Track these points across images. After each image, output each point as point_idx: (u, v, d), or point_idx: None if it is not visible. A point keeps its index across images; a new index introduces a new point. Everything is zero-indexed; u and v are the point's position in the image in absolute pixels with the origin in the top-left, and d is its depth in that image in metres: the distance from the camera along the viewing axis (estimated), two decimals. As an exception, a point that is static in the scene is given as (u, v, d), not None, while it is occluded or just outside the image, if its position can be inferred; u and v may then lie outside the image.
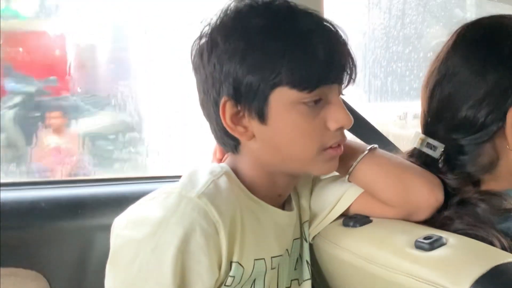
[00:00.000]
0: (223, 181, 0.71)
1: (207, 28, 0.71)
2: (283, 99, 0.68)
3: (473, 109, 0.75)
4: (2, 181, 1.12)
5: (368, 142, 1.03)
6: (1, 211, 0.98)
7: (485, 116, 0.74)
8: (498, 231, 0.69)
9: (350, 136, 1.05)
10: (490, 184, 0.78)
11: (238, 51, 0.67)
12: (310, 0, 1.00)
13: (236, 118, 0.70)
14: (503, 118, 0.74)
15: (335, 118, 0.70)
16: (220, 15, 0.71)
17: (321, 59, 0.67)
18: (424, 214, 0.76)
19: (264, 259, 0.73)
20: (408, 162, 0.81)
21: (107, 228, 0.98)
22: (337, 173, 0.83)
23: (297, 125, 0.69)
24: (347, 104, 1.03)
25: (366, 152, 0.78)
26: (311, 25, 0.69)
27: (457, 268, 0.60)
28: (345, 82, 0.72)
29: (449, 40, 0.81)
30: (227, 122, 0.70)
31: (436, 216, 0.75)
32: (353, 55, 0.72)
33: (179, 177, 0.72)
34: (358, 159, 0.78)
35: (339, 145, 0.73)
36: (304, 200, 0.83)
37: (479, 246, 0.65)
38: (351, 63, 0.71)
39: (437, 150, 0.78)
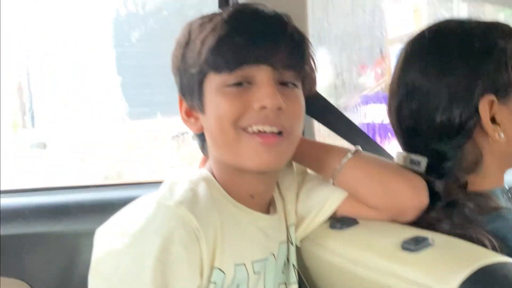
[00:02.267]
0: (201, 188, 0.70)
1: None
2: (211, 86, 0.70)
3: (445, 114, 0.75)
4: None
5: (352, 143, 1.03)
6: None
7: (459, 117, 0.75)
8: (487, 231, 0.69)
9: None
10: (477, 183, 0.78)
11: (179, 50, 0.73)
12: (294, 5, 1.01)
13: (190, 112, 0.76)
14: (476, 114, 0.74)
15: (257, 97, 0.68)
16: None
17: (237, 40, 0.68)
18: (409, 216, 0.76)
19: (244, 264, 0.72)
20: (391, 164, 0.81)
21: (91, 235, 0.96)
22: (321, 176, 0.83)
23: (218, 106, 0.70)
24: (327, 102, 1.04)
25: (350, 155, 0.78)
26: (233, 13, 0.70)
27: (444, 269, 0.60)
28: (285, 66, 0.69)
29: (398, 60, 0.82)
30: (182, 114, 0.76)
31: (423, 217, 0.75)
32: (295, 39, 0.70)
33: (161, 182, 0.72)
34: (342, 162, 0.77)
35: (276, 133, 0.69)
36: (289, 203, 0.82)
37: (466, 247, 0.65)
38: (291, 46, 0.70)
39: (421, 164, 0.78)
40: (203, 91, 0.71)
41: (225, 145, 0.71)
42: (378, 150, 1.01)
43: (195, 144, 0.83)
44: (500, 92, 0.74)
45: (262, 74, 0.69)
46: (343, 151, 0.79)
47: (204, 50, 0.69)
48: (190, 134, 0.84)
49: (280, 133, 0.69)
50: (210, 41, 0.68)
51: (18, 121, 2.48)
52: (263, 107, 0.68)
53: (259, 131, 0.68)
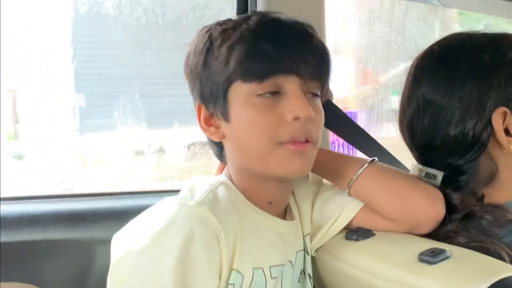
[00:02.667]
0: (221, 190, 0.72)
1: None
2: (238, 95, 0.70)
3: (458, 128, 0.75)
4: (2, 195, 1.11)
5: (367, 154, 1.03)
6: (1, 225, 0.97)
7: (472, 131, 0.75)
8: (505, 244, 0.68)
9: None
10: (494, 196, 0.77)
11: (201, 58, 0.72)
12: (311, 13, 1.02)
13: (210, 121, 0.74)
14: (489, 126, 0.75)
15: (290, 108, 0.69)
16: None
17: (267, 50, 0.68)
18: (426, 228, 0.75)
19: (262, 268, 0.72)
20: (408, 175, 0.81)
21: (106, 242, 0.97)
22: (336, 187, 0.83)
23: (249, 117, 0.70)
24: (341, 111, 1.04)
25: (366, 166, 0.78)
26: (260, 22, 0.71)
27: (462, 281, 0.59)
28: (309, 78, 0.70)
29: (408, 76, 0.83)
30: (201, 124, 0.75)
31: (440, 229, 0.75)
32: (322, 50, 0.72)
33: (174, 191, 0.73)
34: (358, 173, 0.77)
35: (305, 142, 0.70)
36: (305, 213, 0.82)
37: (483, 259, 0.64)
38: (316, 56, 0.71)
39: (437, 178, 0.77)
40: (228, 99, 0.71)
41: (256, 155, 0.71)
42: (394, 162, 1.01)
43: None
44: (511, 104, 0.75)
45: (291, 85, 0.70)
46: (359, 162, 0.79)
47: (232, 58, 0.69)
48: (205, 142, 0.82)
49: (306, 141, 0.71)
50: (239, 50, 0.68)
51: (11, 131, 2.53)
52: (297, 118, 0.69)
53: (291, 139, 0.69)
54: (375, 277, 0.69)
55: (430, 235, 0.75)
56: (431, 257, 0.64)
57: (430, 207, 0.74)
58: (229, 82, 0.70)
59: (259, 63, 0.68)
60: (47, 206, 1.07)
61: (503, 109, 0.74)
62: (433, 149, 0.79)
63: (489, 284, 0.56)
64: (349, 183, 0.78)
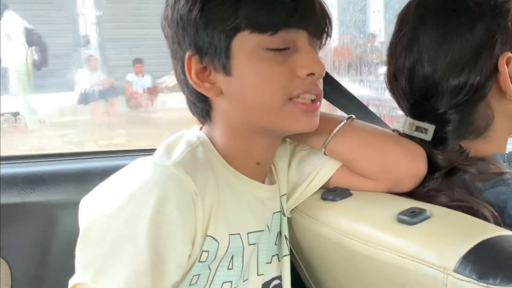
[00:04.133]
0: (200, 152, 0.67)
1: None
2: (244, 46, 0.65)
3: (464, 73, 0.73)
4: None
5: (348, 113, 0.99)
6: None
7: (479, 75, 0.73)
8: (488, 202, 0.66)
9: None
10: (482, 148, 0.75)
11: (197, 2, 0.65)
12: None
13: (202, 75, 0.67)
14: (494, 72, 0.73)
15: (303, 64, 0.66)
16: None
17: (282, 0, 0.64)
18: (406, 186, 0.72)
19: (239, 234, 0.69)
20: (388, 132, 0.78)
21: (68, 206, 0.92)
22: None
23: (260, 72, 0.65)
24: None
25: (342, 123, 0.74)
26: None
27: (444, 242, 0.56)
28: (317, 34, 0.68)
29: (405, 19, 0.78)
30: (192, 78, 0.67)
31: (421, 188, 0.72)
32: (326, 9, 0.69)
33: (142, 151, 0.68)
34: (334, 131, 0.73)
35: (314, 101, 0.68)
36: (281, 172, 0.78)
37: (466, 220, 0.61)
38: (321, 15, 0.68)
39: (428, 132, 0.75)
40: (231, 51, 0.65)
41: (265, 110, 0.67)
42: (375, 120, 0.97)
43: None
44: None
45: (303, 40, 0.66)
46: (335, 120, 0.75)
47: (242, 5, 0.63)
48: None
49: (316, 98, 0.69)
50: None
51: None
52: (311, 74, 0.66)
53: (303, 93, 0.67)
54: (352, 238, 0.66)
55: (411, 195, 0.72)
56: (410, 217, 0.61)
57: (411, 163, 0.71)
58: (234, 32, 0.64)
59: (274, 14, 0.64)
60: (4, 169, 1.01)
61: (508, 54, 0.73)
62: (430, 97, 0.76)
63: (472, 245, 0.53)
64: (324, 142, 0.74)
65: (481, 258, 0.52)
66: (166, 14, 0.69)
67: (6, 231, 0.95)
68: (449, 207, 0.65)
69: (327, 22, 0.69)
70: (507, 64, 0.73)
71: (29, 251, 0.97)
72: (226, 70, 0.66)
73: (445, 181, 0.71)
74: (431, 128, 0.75)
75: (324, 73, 0.68)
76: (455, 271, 0.52)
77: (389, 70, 0.81)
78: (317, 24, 0.67)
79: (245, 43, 0.64)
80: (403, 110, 0.82)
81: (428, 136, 0.75)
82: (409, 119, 0.78)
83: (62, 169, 1.02)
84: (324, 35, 0.70)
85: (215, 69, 0.66)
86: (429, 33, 0.75)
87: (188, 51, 0.67)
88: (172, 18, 0.68)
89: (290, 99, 0.66)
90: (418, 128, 0.76)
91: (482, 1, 0.74)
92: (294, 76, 0.66)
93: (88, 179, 0.98)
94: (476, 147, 0.74)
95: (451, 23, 0.74)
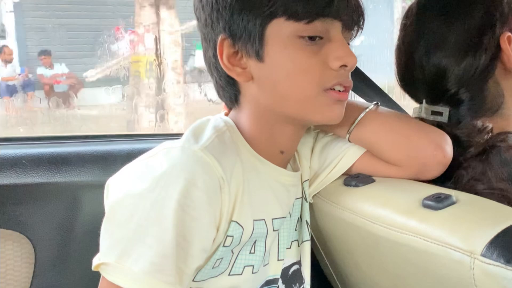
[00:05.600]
0: (226, 137, 0.67)
1: None
2: (279, 33, 0.64)
3: (469, 57, 0.76)
4: (-20, 138, 1.06)
5: (369, 100, 0.99)
6: (-20, 169, 0.93)
7: (484, 54, 0.76)
8: None
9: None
10: (499, 125, 0.77)
11: None
12: None
13: (234, 59, 0.67)
14: (497, 51, 0.76)
15: (337, 55, 0.66)
16: None
17: None
18: (432, 172, 0.72)
19: (264, 220, 0.69)
20: (412, 119, 0.78)
21: (92, 187, 0.93)
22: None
23: (295, 60, 0.65)
24: None
25: (368, 109, 0.74)
26: None
27: (470, 227, 0.56)
28: (351, 25, 0.68)
29: (410, 13, 0.82)
30: (224, 61, 0.67)
31: (460, 178, 0.72)
32: (360, 2, 0.69)
33: (167, 135, 0.68)
34: (359, 117, 0.73)
35: (344, 90, 0.68)
36: (304, 159, 0.78)
37: (492, 205, 0.61)
38: (356, 7, 0.68)
39: (444, 114, 0.78)
40: (266, 37, 0.65)
41: (296, 99, 0.67)
42: (396, 107, 0.97)
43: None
44: None
45: (337, 30, 0.66)
46: (360, 106, 0.75)
47: None
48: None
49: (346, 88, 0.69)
50: None
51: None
52: (344, 66, 0.66)
53: (337, 84, 0.67)
54: (376, 223, 0.66)
55: (435, 182, 0.72)
56: (435, 202, 0.61)
57: (437, 149, 0.71)
58: (270, 18, 0.64)
59: (312, 2, 0.63)
60: (29, 149, 1.02)
61: (508, 33, 0.76)
62: (444, 79, 0.78)
63: (500, 230, 0.53)
64: (349, 129, 0.74)
65: (509, 243, 0.52)
66: None
67: (30, 210, 0.96)
68: (482, 194, 0.65)
69: (361, 15, 0.69)
70: (508, 43, 0.76)
71: (52, 231, 0.98)
72: (259, 56, 0.65)
73: (482, 163, 0.71)
74: (445, 110, 0.78)
75: (355, 65, 0.67)
76: (483, 255, 0.52)
77: (399, 64, 0.83)
78: (351, 16, 0.67)
79: (280, 30, 0.64)
80: (417, 100, 0.83)
81: (444, 118, 0.78)
82: (425, 105, 0.80)
83: (87, 150, 1.03)
84: (356, 27, 0.69)
85: (247, 54, 0.66)
86: (431, 21, 0.78)
87: (221, 35, 0.67)
88: (207, 1, 0.68)
89: (325, 90, 0.66)
90: (434, 112, 0.78)
91: None
92: (326, 67, 0.66)
93: (112, 162, 0.99)
94: (494, 124, 0.76)
95: (451, 9, 0.78)
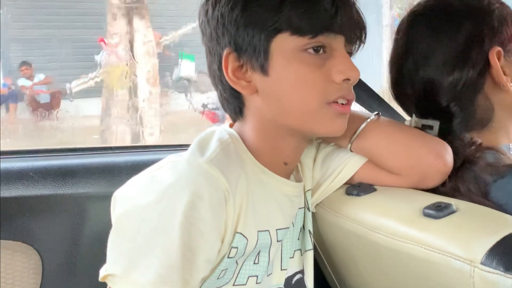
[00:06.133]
0: (231, 149, 0.68)
1: None
2: (284, 47, 0.66)
3: (457, 71, 0.76)
4: (-13, 151, 1.07)
5: (369, 109, 1.00)
6: (-12, 181, 0.94)
7: (472, 69, 0.76)
8: (497, 188, 0.69)
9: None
10: (489, 139, 0.77)
11: (240, 1, 0.67)
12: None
13: (239, 73, 0.68)
14: (486, 65, 0.76)
15: (340, 69, 0.67)
16: None
17: (324, 5, 0.65)
18: (432, 181, 0.73)
19: (268, 231, 0.70)
20: (413, 129, 0.79)
21: (98, 198, 0.94)
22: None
23: (299, 74, 0.66)
24: None
25: (369, 119, 0.75)
26: None
27: (470, 235, 0.57)
28: (353, 39, 0.69)
29: (404, 25, 0.83)
30: (229, 75, 0.68)
31: (440, 187, 0.73)
32: (362, 17, 0.70)
33: (172, 146, 0.70)
34: (361, 127, 0.75)
35: (346, 103, 0.69)
36: (307, 169, 0.79)
37: (492, 213, 0.62)
38: (358, 21, 0.69)
39: (434, 128, 0.78)
40: (270, 51, 0.66)
41: (300, 112, 0.68)
42: (396, 117, 0.98)
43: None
44: (504, 46, 0.77)
45: (340, 45, 0.68)
46: (361, 116, 0.77)
47: (286, 7, 0.64)
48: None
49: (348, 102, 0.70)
50: (290, 0, 0.64)
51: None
52: (347, 80, 0.67)
53: (339, 98, 0.68)
54: (377, 232, 0.67)
55: (433, 192, 0.72)
56: (436, 211, 0.62)
57: (438, 158, 0.72)
58: (275, 33, 0.65)
59: (316, 18, 0.65)
60: (36, 161, 1.04)
61: (497, 48, 0.76)
62: (430, 96, 0.78)
63: (499, 238, 0.54)
64: (351, 139, 0.75)
65: (508, 251, 0.53)
66: (206, 11, 0.70)
67: (37, 222, 0.98)
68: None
69: (363, 29, 0.70)
70: (498, 58, 0.76)
71: (59, 242, 0.99)
72: (264, 69, 0.67)
73: (457, 177, 0.72)
74: (436, 124, 0.78)
75: (358, 79, 0.69)
76: (482, 263, 0.53)
77: (391, 77, 0.85)
78: (354, 31, 0.69)
79: (285, 44, 0.66)
80: (408, 113, 0.85)
81: (434, 132, 0.78)
82: (415, 118, 0.81)
83: (93, 162, 1.05)
84: (358, 42, 0.71)
85: (252, 67, 0.67)
86: (421, 36, 0.79)
87: (226, 49, 0.68)
88: (213, 15, 0.69)
89: (328, 103, 0.68)
90: (424, 126, 0.79)
91: (468, 3, 0.79)
92: (330, 80, 0.67)
93: (117, 173, 1.00)
94: (483, 138, 0.77)
95: (439, 24, 0.78)
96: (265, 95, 0.68)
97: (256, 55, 0.66)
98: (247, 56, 0.67)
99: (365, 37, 0.71)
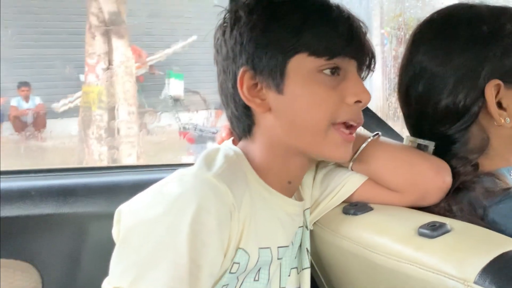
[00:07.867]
0: (236, 165, 0.70)
1: (232, 5, 0.73)
2: (301, 68, 0.68)
3: (451, 97, 0.75)
4: (-9, 170, 1.09)
5: (371, 131, 1.01)
6: (-11, 200, 0.95)
7: (464, 100, 0.74)
8: (491, 221, 0.68)
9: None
10: (484, 164, 0.76)
11: (260, 22, 0.69)
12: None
13: (253, 91, 0.70)
14: (481, 97, 0.74)
15: (353, 91, 0.69)
16: None
17: (341, 31, 0.68)
18: (432, 199, 0.74)
19: (270, 248, 0.71)
20: (412, 148, 0.80)
21: (99, 217, 0.95)
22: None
23: (314, 93, 0.68)
24: None
25: (370, 139, 0.77)
26: (333, 3, 0.71)
27: (464, 255, 0.58)
28: (364, 66, 0.72)
29: (407, 44, 0.82)
30: (244, 92, 0.69)
31: (433, 207, 0.74)
32: (372, 47, 0.73)
33: (173, 165, 0.71)
34: (361, 147, 0.76)
35: (351, 132, 0.71)
36: (306, 188, 0.80)
37: (485, 233, 0.63)
38: (369, 49, 0.72)
39: (429, 148, 0.77)
40: (287, 70, 0.68)
41: (310, 132, 0.70)
42: (394, 136, 0.99)
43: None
44: (506, 77, 0.74)
45: (353, 69, 0.71)
46: (362, 136, 0.78)
47: (306, 29, 0.67)
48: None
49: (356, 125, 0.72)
50: (317, 22, 0.67)
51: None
52: (359, 102, 0.70)
53: (345, 125, 0.70)
54: (373, 251, 0.68)
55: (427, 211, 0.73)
56: (431, 230, 0.63)
57: (437, 175, 0.73)
58: (293, 53, 0.67)
59: (334, 42, 0.68)
60: (37, 181, 1.05)
61: (497, 81, 0.74)
62: (425, 117, 0.78)
63: (491, 258, 0.55)
64: (353, 156, 0.76)
65: (500, 270, 0.54)
66: (223, 31, 0.72)
67: (38, 240, 0.99)
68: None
69: (372, 57, 0.73)
70: (498, 91, 0.74)
71: (60, 261, 1.00)
72: (279, 88, 0.68)
73: (452, 199, 0.72)
74: (431, 145, 0.77)
75: (369, 101, 0.71)
76: (475, 282, 0.54)
77: (397, 91, 0.84)
78: (365, 57, 0.72)
79: (302, 65, 0.68)
80: (407, 127, 0.85)
81: (429, 152, 0.77)
82: (410, 137, 0.81)
83: (94, 182, 1.06)
84: (367, 69, 0.73)
85: (267, 86, 0.69)
86: (420, 56, 0.78)
87: (243, 67, 0.69)
88: (231, 34, 0.70)
89: (333, 124, 0.69)
90: (419, 145, 0.79)
91: (474, 31, 0.76)
92: (342, 102, 0.69)
93: (118, 192, 1.01)
94: (480, 162, 0.76)
95: (441, 49, 0.77)
96: (278, 113, 0.70)
97: (272, 74, 0.68)
98: (263, 75, 0.69)
99: (374, 65, 0.73)
